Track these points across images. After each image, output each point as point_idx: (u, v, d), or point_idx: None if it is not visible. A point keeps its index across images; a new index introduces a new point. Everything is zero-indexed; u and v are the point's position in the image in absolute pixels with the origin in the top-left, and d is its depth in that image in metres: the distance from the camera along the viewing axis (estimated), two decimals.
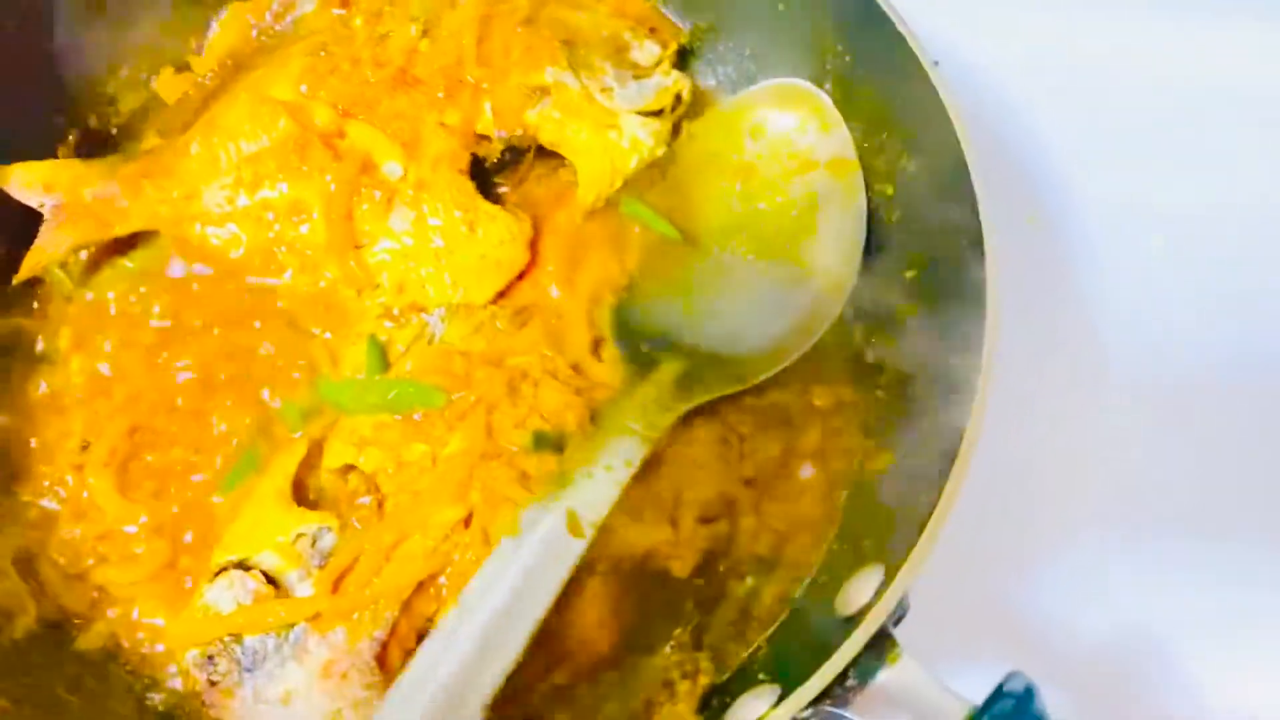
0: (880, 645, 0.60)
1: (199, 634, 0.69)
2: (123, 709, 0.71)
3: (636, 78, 0.86)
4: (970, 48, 0.84)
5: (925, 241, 0.76)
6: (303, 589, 0.69)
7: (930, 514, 0.62)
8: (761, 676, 0.68)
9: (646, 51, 0.87)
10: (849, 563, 0.70)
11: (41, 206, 0.79)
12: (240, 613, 0.68)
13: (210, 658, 0.68)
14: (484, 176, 0.84)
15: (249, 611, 0.68)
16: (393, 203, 0.80)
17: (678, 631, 0.72)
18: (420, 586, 0.69)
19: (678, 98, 0.86)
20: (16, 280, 0.79)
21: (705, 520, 0.74)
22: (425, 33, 0.83)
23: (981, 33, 0.96)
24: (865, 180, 0.82)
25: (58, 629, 0.73)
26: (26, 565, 0.74)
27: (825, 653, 0.61)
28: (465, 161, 0.82)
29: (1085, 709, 0.70)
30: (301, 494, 0.74)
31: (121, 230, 0.81)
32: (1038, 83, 0.97)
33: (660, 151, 0.85)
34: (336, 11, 0.87)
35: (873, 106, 0.81)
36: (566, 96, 0.83)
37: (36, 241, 0.79)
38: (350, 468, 0.74)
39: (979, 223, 0.69)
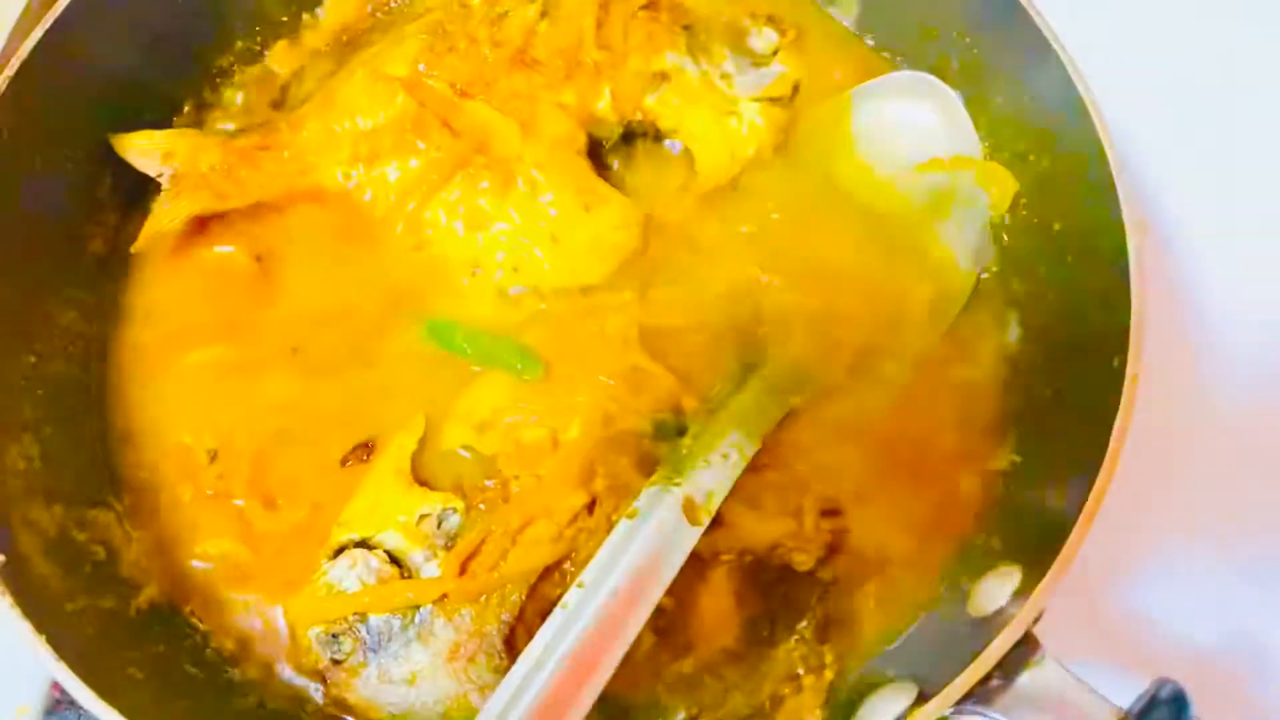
0: (1023, 645, 0.60)
1: (323, 612, 0.69)
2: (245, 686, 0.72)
3: (755, 65, 0.85)
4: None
5: (1058, 245, 0.75)
6: (428, 570, 0.69)
7: (1077, 518, 0.61)
8: (891, 674, 0.68)
9: (765, 39, 0.87)
10: (980, 562, 0.70)
11: (159, 176, 0.79)
12: (366, 592, 0.68)
13: (334, 636, 0.68)
14: (599, 159, 0.83)
15: (375, 591, 0.68)
16: (510, 183, 0.79)
17: (801, 625, 0.72)
18: (546, 572, 0.69)
19: (796, 85, 0.86)
20: (134, 248, 0.79)
21: (828, 514, 0.73)
22: (544, 13, 0.83)
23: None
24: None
25: (179, 605, 0.74)
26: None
27: (961, 652, 0.61)
28: (582, 143, 0.81)
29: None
30: (419, 476, 0.73)
31: (238, 202, 0.80)
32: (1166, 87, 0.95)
33: (778, 139, 0.84)
34: None
35: (1001, 101, 0.80)
36: (686, 82, 0.83)
37: (154, 210, 0.79)
38: (468, 449, 0.74)
39: (1122, 223, 0.68)
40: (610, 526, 0.69)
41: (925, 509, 0.74)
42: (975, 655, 0.60)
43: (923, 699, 0.61)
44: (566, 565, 0.69)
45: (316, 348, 0.79)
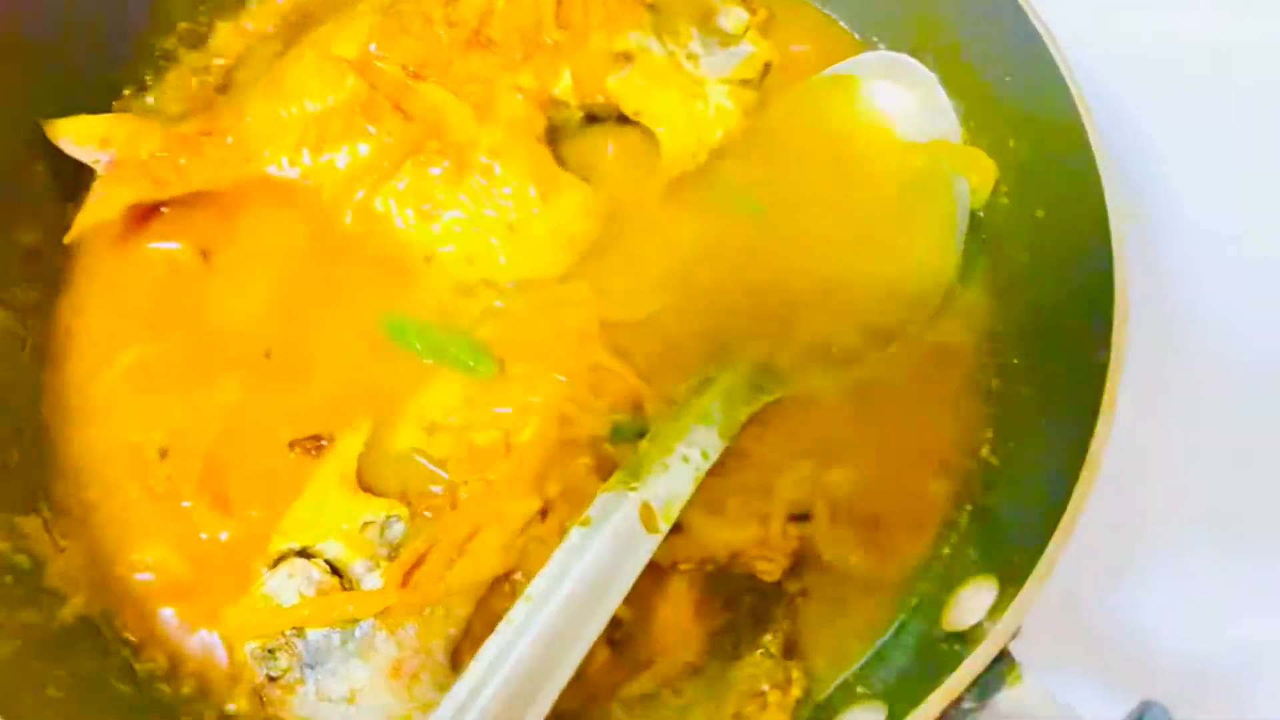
0: (999, 664, 0.56)
1: (260, 625, 0.65)
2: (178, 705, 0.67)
3: (723, 45, 0.82)
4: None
5: (1041, 235, 0.72)
6: (370, 581, 0.65)
7: (1056, 525, 0.58)
8: (861, 690, 0.64)
9: (733, 17, 0.83)
10: (954, 574, 0.66)
11: (95, 163, 0.76)
12: (304, 605, 0.64)
13: (270, 651, 0.65)
14: (559, 144, 0.79)
15: (314, 604, 0.64)
16: (464, 169, 0.75)
17: (766, 639, 0.68)
18: (495, 583, 0.65)
19: (766, 66, 0.82)
20: (67, 239, 0.75)
21: (796, 519, 0.69)
22: None
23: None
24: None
25: (110, 618, 0.69)
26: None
27: (933, 670, 0.58)
28: (540, 127, 0.77)
29: None
30: (364, 481, 0.70)
31: (178, 190, 0.76)
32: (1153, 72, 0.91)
33: (747, 122, 0.80)
34: None
35: (982, 84, 0.76)
36: (651, 63, 0.79)
37: (89, 199, 0.76)
38: (417, 453, 0.70)
39: (1106, 212, 0.64)
40: (564, 535, 0.65)
41: (898, 514, 0.70)
42: (948, 673, 0.56)
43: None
44: (517, 576, 0.65)
45: (265, 344, 0.75)
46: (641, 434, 0.69)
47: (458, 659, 0.64)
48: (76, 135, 0.75)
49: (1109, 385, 0.60)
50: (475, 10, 0.78)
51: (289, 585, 0.65)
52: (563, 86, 0.78)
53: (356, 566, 0.65)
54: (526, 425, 0.69)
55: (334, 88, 0.76)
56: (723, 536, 0.68)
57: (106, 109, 0.80)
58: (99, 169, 0.75)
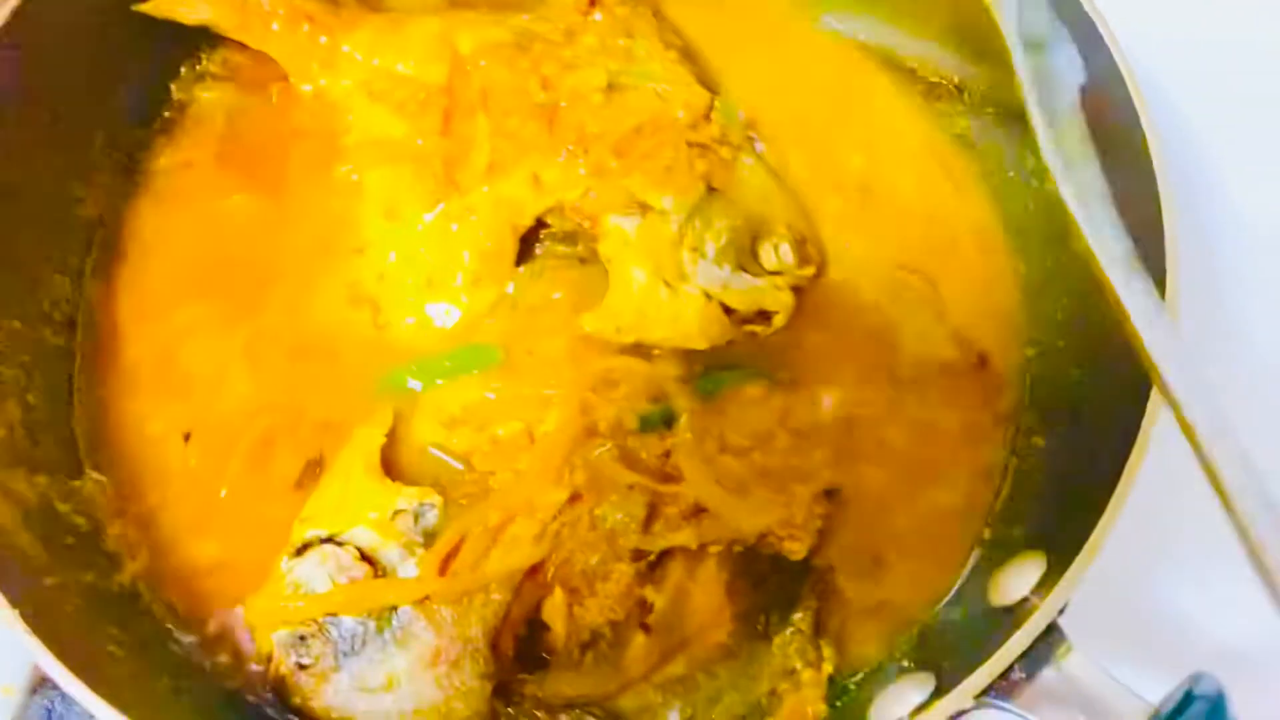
0: (1048, 637, 0.57)
1: (290, 613, 0.64)
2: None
3: (737, 266, 0.74)
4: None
5: None
6: (405, 569, 0.64)
7: (1109, 500, 0.58)
8: (906, 664, 0.64)
9: (779, 255, 0.75)
10: (1001, 550, 0.67)
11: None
12: (339, 591, 0.63)
13: (302, 639, 0.63)
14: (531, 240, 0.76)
15: (349, 590, 0.63)
16: (447, 198, 0.75)
17: (796, 617, 0.68)
18: (531, 571, 0.65)
19: (760, 315, 0.74)
20: (135, 6, 0.75)
21: (823, 496, 0.69)
22: (610, 88, 0.76)
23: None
24: None
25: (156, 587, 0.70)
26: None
27: (981, 643, 0.58)
28: (526, 222, 0.74)
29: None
30: (389, 472, 0.69)
31: (252, 41, 0.78)
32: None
33: (698, 345, 0.72)
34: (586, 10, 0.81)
35: None
36: (655, 229, 0.73)
37: None
38: (440, 446, 0.70)
39: (1158, 195, 0.64)
40: (593, 522, 0.65)
41: (938, 494, 0.71)
42: (996, 647, 0.57)
43: (940, 692, 0.58)
44: (550, 565, 0.65)
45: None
46: (669, 421, 0.69)
47: (497, 646, 0.64)
48: None
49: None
50: (577, 89, 0.76)
51: (319, 572, 0.64)
52: (573, 197, 0.74)
53: (389, 554, 0.65)
54: (548, 416, 0.69)
55: (424, 63, 0.76)
56: (750, 518, 0.67)
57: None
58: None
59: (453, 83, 0.76)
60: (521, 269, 0.75)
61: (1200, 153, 0.90)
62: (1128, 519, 0.58)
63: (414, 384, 0.73)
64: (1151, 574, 0.78)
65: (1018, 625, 0.57)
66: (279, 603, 0.65)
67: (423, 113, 0.76)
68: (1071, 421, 0.70)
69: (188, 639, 0.68)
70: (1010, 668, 0.56)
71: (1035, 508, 0.69)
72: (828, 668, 0.67)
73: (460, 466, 0.69)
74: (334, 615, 0.63)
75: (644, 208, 0.73)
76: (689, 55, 0.81)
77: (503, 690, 0.65)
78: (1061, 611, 0.58)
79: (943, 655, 0.63)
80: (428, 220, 0.75)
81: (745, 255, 0.74)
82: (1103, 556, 0.58)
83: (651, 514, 0.66)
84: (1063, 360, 0.73)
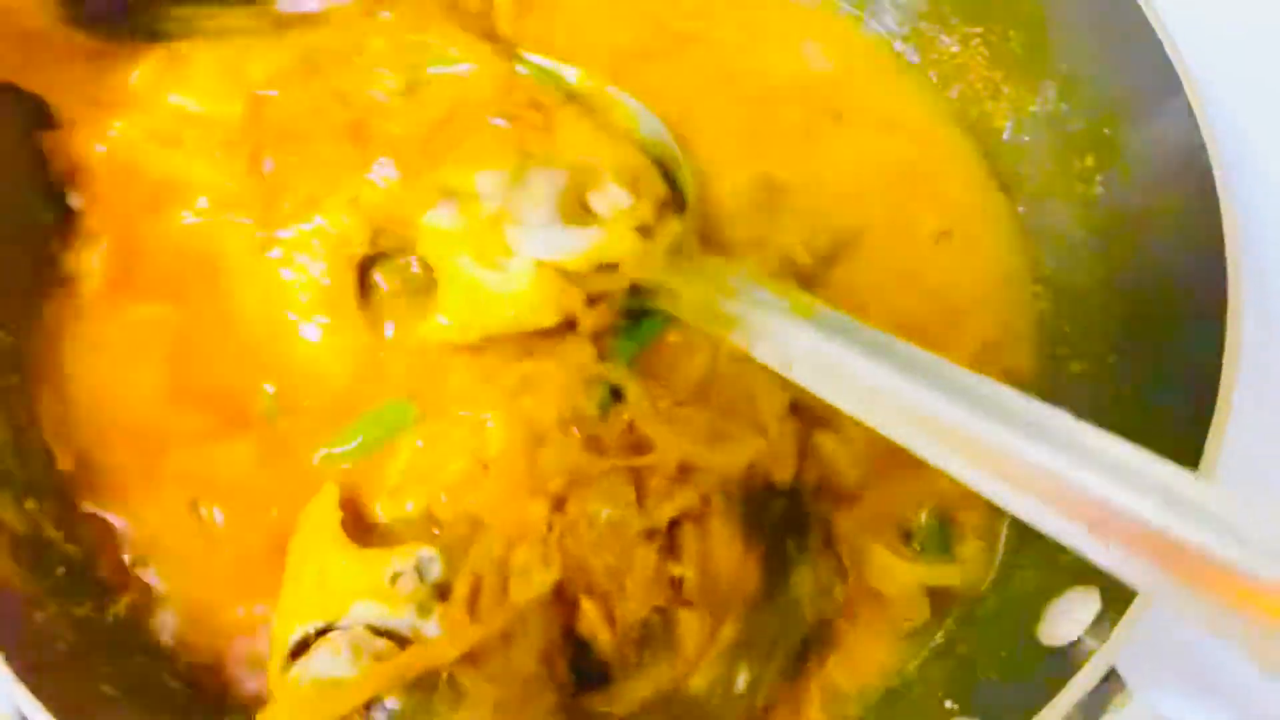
0: (1105, 683, 0.55)
1: (323, 713, 0.58)
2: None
3: (568, 220, 0.71)
4: None
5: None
6: (429, 629, 0.60)
7: None
8: (949, 705, 0.61)
9: (610, 198, 0.71)
10: (1047, 581, 0.63)
11: None
12: (374, 671, 0.58)
13: None
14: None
15: (385, 668, 0.58)
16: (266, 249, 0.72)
17: (811, 539, 0.68)
18: (557, 590, 0.62)
19: (606, 266, 0.70)
20: None
21: (789, 414, 0.68)
22: (410, 86, 0.73)
23: None
24: None
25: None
26: None
27: (1031, 686, 0.56)
28: (359, 251, 0.71)
29: None
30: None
31: (23, 81, 0.71)
32: None
33: (548, 321, 0.69)
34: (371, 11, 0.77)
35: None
36: (470, 211, 0.70)
37: None
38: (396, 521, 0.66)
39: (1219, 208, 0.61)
40: (589, 520, 0.63)
41: None
42: (1050, 690, 0.55)
43: None
44: (565, 581, 0.62)
45: None
46: (617, 394, 0.67)
47: (554, 671, 0.61)
48: None
49: (1223, 390, 0.57)
50: (373, 99, 0.73)
51: (338, 661, 0.59)
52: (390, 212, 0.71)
53: (403, 621, 0.60)
54: (489, 440, 0.65)
55: (218, 101, 0.72)
56: (732, 459, 0.66)
57: None
58: None
59: (254, 115, 0.71)
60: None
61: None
62: None
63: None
64: None
65: (1074, 667, 0.54)
66: (307, 709, 0.58)
67: (227, 155, 0.71)
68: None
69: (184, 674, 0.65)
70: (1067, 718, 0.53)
71: None
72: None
73: (426, 521, 0.65)
74: (376, 700, 0.58)
75: (456, 196, 0.70)
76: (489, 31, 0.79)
77: (575, 716, 0.62)
78: None
79: (989, 699, 0.61)
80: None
81: (576, 210, 0.71)
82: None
83: (640, 491, 0.64)
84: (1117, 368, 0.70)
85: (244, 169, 0.71)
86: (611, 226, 0.70)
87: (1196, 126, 0.63)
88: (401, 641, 0.59)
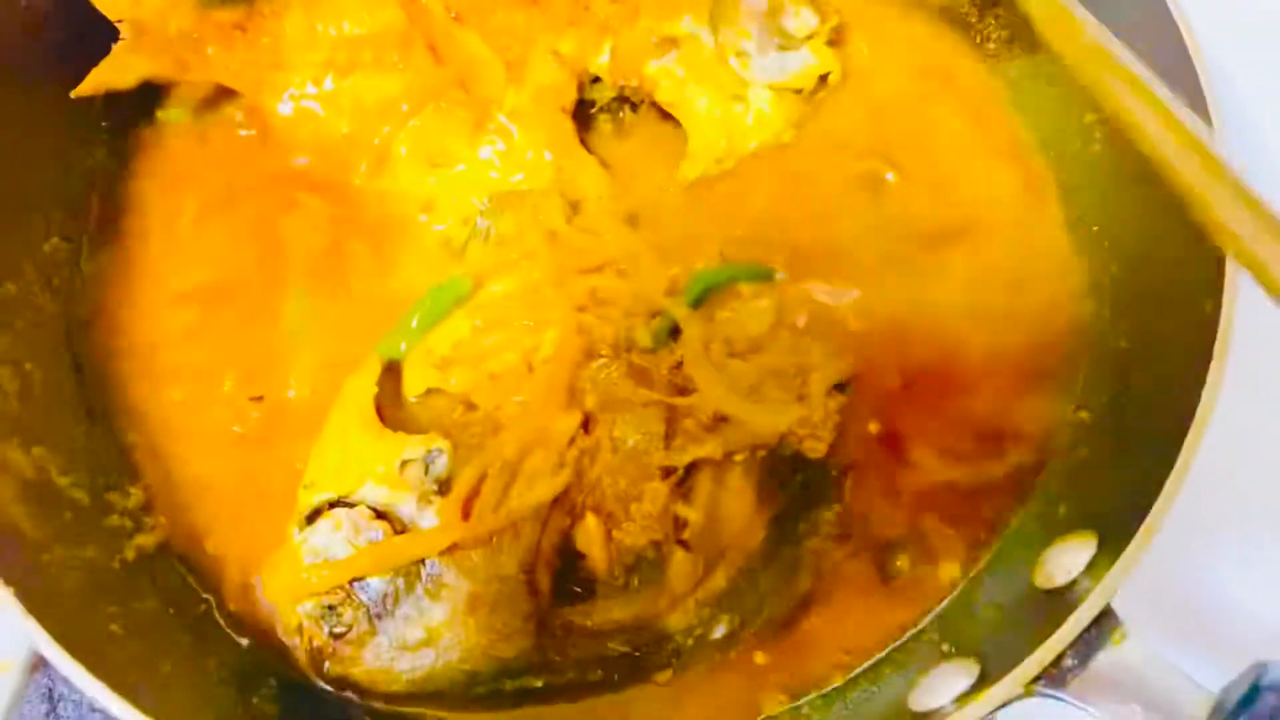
0: (1101, 623, 0.54)
1: (313, 584, 0.62)
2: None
3: (781, 48, 0.75)
4: None
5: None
6: (426, 520, 0.62)
7: (1164, 482, 0.55)
8: (946, 649, 0.62)
9: (801, 20, 0.75)
10: (1042, 531, 0.64)
11: (120, 23, 0.72)
12: (361, 554, 0.61)
13: (331, 608, 0.61)
14: (586, 120, 0.76)
15: (372, 551, 0.61)
16: (482, 126, 0.73)
17: (827, 516, 0.68)
18: (556, 502, 0.63)
19: (823, 79, 0.76)
20: (74, 94, 0.71)
21: (836, 391, 0.68)
22: None
23: None
24: None
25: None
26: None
27: (1027, 628, 0.56)
28: (570, 99, 0.74)
29: None
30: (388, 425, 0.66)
31: (197, 77, 0.74)
32: None
33: (787, 137, 0.75)
34: None
35: None
36: (696, 54, 0.74)
37: (105, 60, 0.72)
38: (436, 391, 0.67)
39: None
40: (613, 445, 0.64)
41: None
42: (1045, 631, 0.54)
43: (985, 680, 0.56)
44: (577, 493, 0.63)
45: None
46: (675, 333, 0.67)
47: (534, 583, 0.62)
48: None
49: (1220, 337, 0.57)
50: None
51: (336, 538, 0.62)
52: (602, 60, 0.74)
53: (404, 508, 0.62)
54: (543, 342, 0.66)
55: (374, 14, 0.73)
56: (769, 420, 0.66)
57: None
58: (123, 31, 0.71)
59: (410, 13, 0.73)
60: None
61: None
62: (1184, 497, 0.55)
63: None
64: (1208, 555, 0.74)
65: (1070, 609, 0.54)
66: (299, 575, 0.62)
67: (407, 58, 0.73)
68: (1121, 396, 0.66)
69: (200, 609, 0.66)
70: (1061, 655, 0.54)
71: (1082, 485, 0.66)
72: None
73: (464, 405, 0.66)
74: (360, 579, 0.61)
75: (672, 41, 0.74)
76: None
77: (545, 626, 0.63)
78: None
79: (985, 641, 0.61)
80: (482, 154, 0.73)
81: (779, 35, 0.75)
82: (1158, 536, 0.55)
83: (670, 429, 0.65)
84: (1115, 327, 0.69)
85: (429, 61, 0.73)
86: (813, 45, 0.75)
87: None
88: (398, 528, 0.62)
